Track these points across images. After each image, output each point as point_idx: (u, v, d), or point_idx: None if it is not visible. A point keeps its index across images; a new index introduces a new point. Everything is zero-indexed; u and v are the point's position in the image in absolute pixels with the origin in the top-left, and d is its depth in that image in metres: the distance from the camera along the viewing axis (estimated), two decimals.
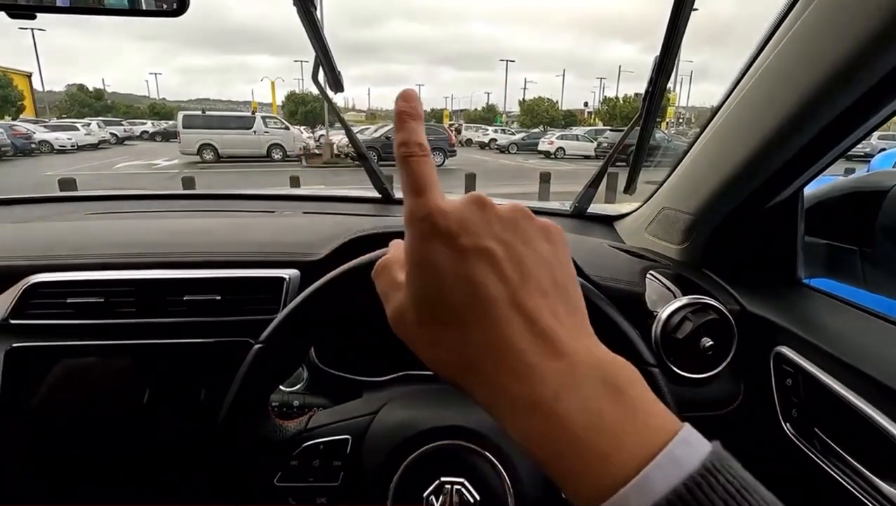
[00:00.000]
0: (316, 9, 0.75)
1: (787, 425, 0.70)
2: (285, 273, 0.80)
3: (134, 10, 0.54)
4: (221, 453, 0.51)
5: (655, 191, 1.06)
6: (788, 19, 0.65)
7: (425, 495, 0.51)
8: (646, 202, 1.11)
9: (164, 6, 0.55)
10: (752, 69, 0.72)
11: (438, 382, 0.76)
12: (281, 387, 0.78)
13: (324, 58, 0.84)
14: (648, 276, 0.87)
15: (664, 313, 0.75)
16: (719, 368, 0.75)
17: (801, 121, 0.67)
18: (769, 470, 0.78)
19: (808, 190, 0.84)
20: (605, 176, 1.18)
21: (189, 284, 0.77)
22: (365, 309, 0.83)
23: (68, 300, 0.76)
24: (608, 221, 1.25)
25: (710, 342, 0.74)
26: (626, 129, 1.07)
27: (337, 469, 0.53)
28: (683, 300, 0.76)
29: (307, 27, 0.79)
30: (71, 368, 0.77)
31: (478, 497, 0.51)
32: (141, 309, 0.77)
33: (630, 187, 1.11)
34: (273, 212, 1.25)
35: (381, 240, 0.77)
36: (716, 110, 0.81)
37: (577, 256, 0.87)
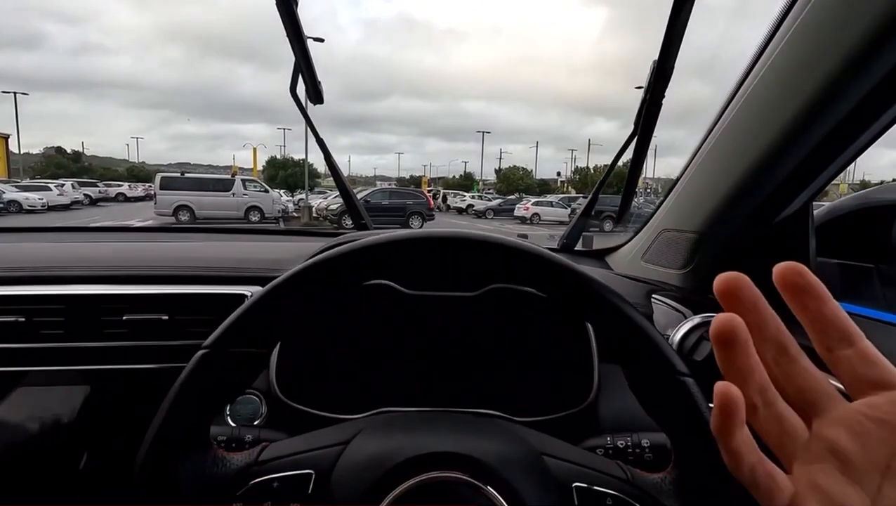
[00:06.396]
0: (297, 5, 0.71)
1: None
2: (247, 290, 0.69)
3: None
4: (142, 491, 0.39)
5: (650, 218, 1.01)
6: (785, 24, 0.63)
7: None
8: (639, 231, 1.06)
9: None
10: (749, 78, 0.70)
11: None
12: (231, 422, 0.65)
13: (304, 63, 0.79)
14: (653, 299, 0.80)
15: (677, 334, 0.67)
16: None
17: (802, 128, 0.64)
18: None
19: (815, 211, 0.80)
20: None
21: (130, 300, 0.66)
22: (342, 320, 0.73)
23: None
24: (599, 256, 1.19)
25: None
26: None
27: None
28: (696, 319, 0.68)
29: (288, 28, 0.74)
30: None
31: None
32: (70, 331, 0.65)
33: (623, 216, 1.06)
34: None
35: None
36: (713, 125, 0.77)
37: None
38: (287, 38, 0.75)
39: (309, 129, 0.90)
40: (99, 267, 0.69)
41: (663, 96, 0.73)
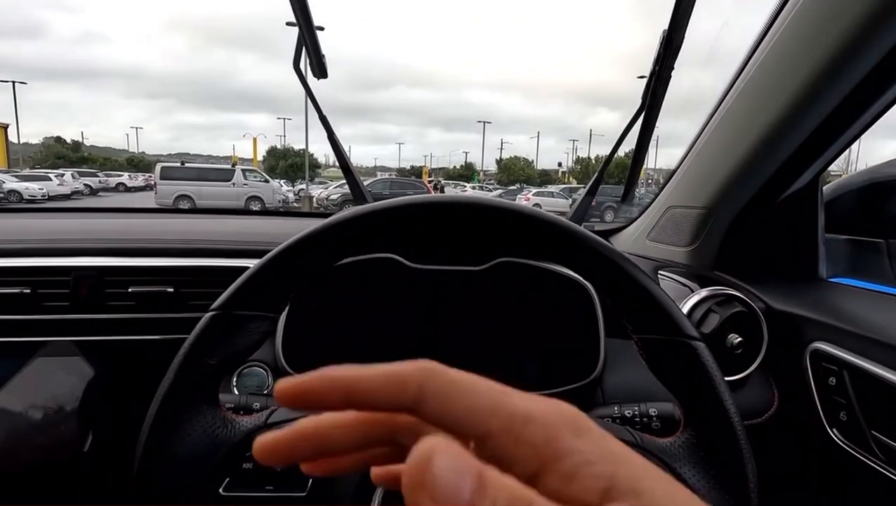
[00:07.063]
0: None
1: (835, 431, 0.60)
2: (252, 263, 0.69)
3: None
4: (149, 454, 0.39)
5: (655, 198, 1.01)
6: (789, 4, 0.62)
7: None
8: (644, 211, 1.05)
9: None
10: (754, 56, 0.69)
11: None
12: (236, 391, 0.65)
13: (308, 36, 0.78)
14: (660, 274, 0.79)
15: (686, 306, 0.67)
16: (750, 370, 0.66)
17: (809, 103, 0.63)
18: (819, 486, 0.68)
19: (824, 187, 0.79)
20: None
21: (136, 272, 0.66)
22: (348, 294, 0.73)
23: None
24: (603, 236, 1.18)
25: (739, 339, 0.65)
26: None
27: (304, 475, 0.41)
28: (703, 293, 0.68)
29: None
30: None
31: None
32: (75, 303, 0.65)
33: (629, 195, 1.05)
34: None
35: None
36: (721, 99, 0.76)
37: None
38: (291, 9, 0.74)
39: (311, 104, 0.89)
40: (104, 240, 0.69)
41: (672, 68, 0.72)
